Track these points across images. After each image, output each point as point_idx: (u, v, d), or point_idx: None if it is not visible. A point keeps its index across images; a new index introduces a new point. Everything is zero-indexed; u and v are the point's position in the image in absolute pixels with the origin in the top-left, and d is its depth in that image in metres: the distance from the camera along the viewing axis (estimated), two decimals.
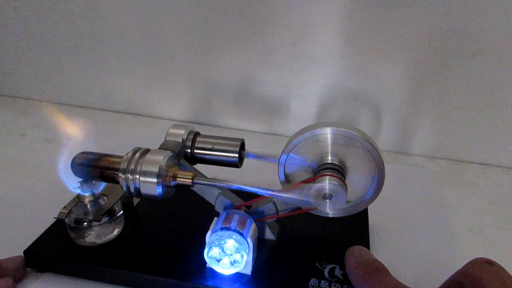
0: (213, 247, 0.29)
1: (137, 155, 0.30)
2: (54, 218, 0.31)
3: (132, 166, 0.29)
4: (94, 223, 0.32)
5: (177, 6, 0.53)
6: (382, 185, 0.31)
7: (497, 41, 0.45)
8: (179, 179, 0.30)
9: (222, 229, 0.29)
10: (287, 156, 0.31)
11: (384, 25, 0.48)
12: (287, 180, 0.33)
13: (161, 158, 0.29)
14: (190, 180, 0.30)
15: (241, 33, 0.53)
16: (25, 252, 0.31)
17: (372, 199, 0.32)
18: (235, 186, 0.30)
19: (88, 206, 0.33)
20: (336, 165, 0.30)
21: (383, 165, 0.30)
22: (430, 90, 0.50)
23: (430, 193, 0.46)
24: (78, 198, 0.33)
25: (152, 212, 0.37)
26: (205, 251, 0.29)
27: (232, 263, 0.29)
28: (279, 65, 0.53)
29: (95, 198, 0.33)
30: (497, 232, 0.40)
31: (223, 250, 0.29)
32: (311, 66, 0.52)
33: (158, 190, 0.29)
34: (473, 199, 0.45)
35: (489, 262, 0.24)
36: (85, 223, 0.32)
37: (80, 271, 0.32)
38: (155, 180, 0.29)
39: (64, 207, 0.32)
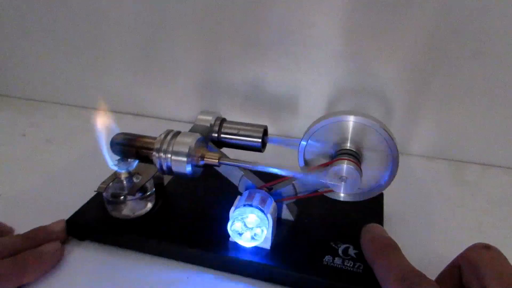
0: (236, 222, 0.31)
1: (169, 136, 0.32)
2: (94, 191, 0.35)
3: (165, 146, 0.32)
4: (129, 197, 0.35)
5: (181, 5, 0.53)
6: (395, 174, 0.33)
7: (497, 41, 0.45)
8: (206, 159, 0.32)
9: (244, 205, 0.31)
10: (307, 142, 0.34)
11: (384, 25, 0.48)
12: (307, 166, 0.35)
13: (191, 140, 0.32)
14: (217, 160, 0.32)
15: (246, 32, 0.53)
16: (67, 221, 0.35)
17: (384, 186, 0.33)
18: (258, 166, 0.32)
19: (124, 182, 0.36)
20: (353, 151, 0.32)
21: (398, 155, 0.32)
22: (430, 91, 0.50)
23: (430, 193, 0.46)
24: (115, 175, 0.36)
25: (180, 191, 0.40)
26: (229, 224, 0.31)
27: (253, 237, 0.31)
28: (284, 65, 0.54)
29: (130, 176, 0.36)
30: (497, 232, 0.40)
31: (245, 225, 0.31)
32: (314, 67, 0.53)
33: (188, 169, 0.32)
34: (473, 199, 0.45)
35: (487, 247, 0.26)
36: (121, 197, 0.36)
37: (115, 240, 0.35)
38: (185, 159, 0.31)
39: (103, 182, 0.36)
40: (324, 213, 0.37)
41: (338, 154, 0.32)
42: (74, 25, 0.58)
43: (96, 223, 0.35)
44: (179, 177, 0.33)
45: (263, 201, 0.32)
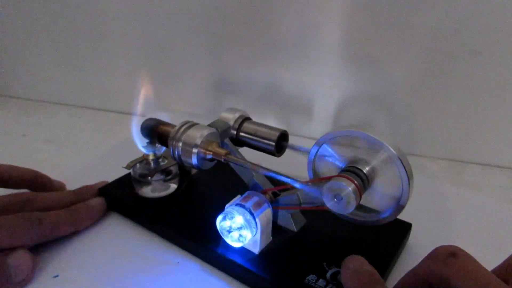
0: (226, 219, 0.31)
1: (184, 127, 0.34)
2: (122, 167, 0.39)
3: (178, 135, 0.34)
4: (152, 178, 0.38)
5: (188, 5, 0.53)
6: (400, 211, 0.30)
7: (497, 41, 0.45)
8: (213, 154, 0.33)
9: (237, 205, 0.31)
10: (316, 152, 0.32)
11: (385, 26, 0.48)
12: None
13: (201, 133, 0.33)
14: (222, 157, 0.33)
15: (255, 34, 0.53)
16: (99, 189, 0.40)
17: (386, 219, 0.31)
18: (259, 170, 0.32)
19: (151, 164, 0.40)
20: (362, 172, 0.30)
21: (409, 195, 0.29)
22: (430, 91, 0.50)
23: (430, 193, 0.45)
24: (143, 157, 0.40)
25: (205, 182, 0.42)
26: (218, 219, 0.32)
27: (239, 238, 0.31)
28: (292, 69, 0.54)
29: (156, 158, 0.39)
30: (497, 232, 0.39)
31: (234, 223, 0.31)
32: (316, 68, 0.53)
33: (194, 159, 0.33)
34: (473, 200, 0.44)
35: (453, 254, 0.22)
36: (148, 178, 0.39)
37: (129, 214, 0.38)
38: (191, 150, 0.33)
39: (132, 160, 0.39)
40: (333, 232, 0.35)
41: (344, 170, 0.30)
42: (75, 25, 0.59)
43: (121, 196, 0.39)
44: (189, 166, 0.34)
45: (257, 204, 0.31)
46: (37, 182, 0.39)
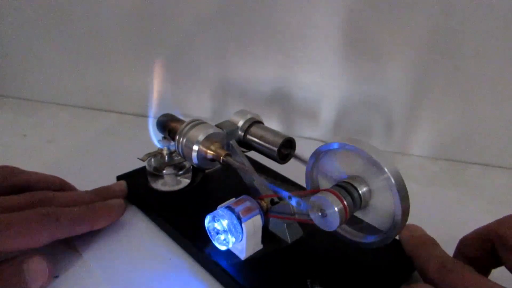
0: (214, 220, 0.31)
1: (191, 124, 0.35)
2: (138, 158, 0.40)
3: (183, 132, 0.34)
4: (163, 172, 0.40)
5: (191, 7, 0.53)
6: (387, 242, 0.28)
7: (497, 42, 0.45)
8: (214, 154, 0.33)
9: (227, 207, 0.31)
10: (312, 163, 0.30)
11: (385, 26, 0.48)
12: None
13: (205, 132, 0.33)
14: (220, 158, 0.33)
15: (257, 33, 0.53)
16: (117, 177, 0.42)
17: (366, 245, 0.29)
18: (253, 175, 0.31)
19: (166, 159, 0.41)
20: (356, 190, 0.27)
21: (402, 223, 0.26)
22: (430, 91, 0.50)
23: (431, 194, 0.45)
24: (158, 151, 0.41)
25: (218, 180, 0.42)
26: (206, 219, 0.32)
27: (223, 241, 0.31)
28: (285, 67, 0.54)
29: (170, 153, 0.40)
30: None
31: (220, 226, 0.31)
32: (316, 69, 0.53)
33: (194, 157, 0.33)
34: (474, 200, 0.45)
35: None
36: (157, 171, 0.40)
37: (140, 205, 0.40)
38: (192, 147, 0.33)
39: (148, 153, 0.41)
40: (329, 249, 0.33)
41: (338, 185, 0.28)
42: (75, 25, 0.58)
43: (134, 187, 0.40)
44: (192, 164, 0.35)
45: (247, 210, 0.31)
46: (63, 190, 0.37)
